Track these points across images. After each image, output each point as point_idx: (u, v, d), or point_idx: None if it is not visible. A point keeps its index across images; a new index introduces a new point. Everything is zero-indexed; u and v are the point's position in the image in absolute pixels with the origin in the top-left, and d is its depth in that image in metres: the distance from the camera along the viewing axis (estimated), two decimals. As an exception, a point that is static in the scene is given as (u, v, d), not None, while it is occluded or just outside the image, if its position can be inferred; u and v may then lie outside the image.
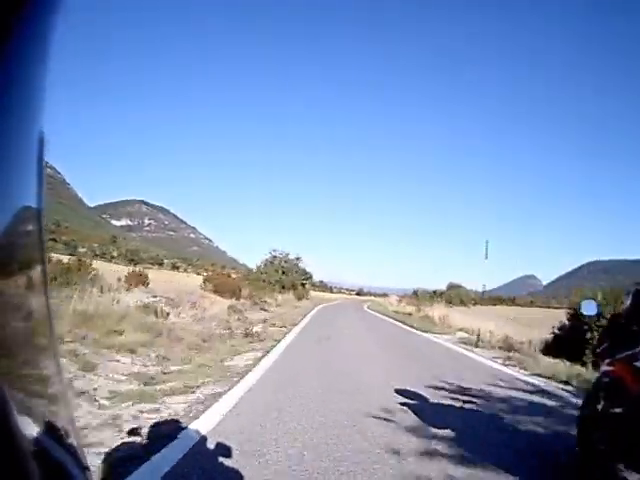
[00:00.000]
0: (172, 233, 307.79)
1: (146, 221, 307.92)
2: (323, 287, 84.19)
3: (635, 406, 2.08)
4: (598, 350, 2.68)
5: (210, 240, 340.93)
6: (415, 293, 51.99)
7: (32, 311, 0.33)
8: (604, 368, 2.58)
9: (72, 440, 0.37)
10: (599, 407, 2.39)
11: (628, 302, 2.61)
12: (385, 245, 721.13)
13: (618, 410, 2.22)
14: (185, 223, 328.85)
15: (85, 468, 0.39)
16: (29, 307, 0.33)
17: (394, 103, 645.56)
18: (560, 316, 9.81)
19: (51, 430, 0.34)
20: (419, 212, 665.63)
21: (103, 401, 3.20)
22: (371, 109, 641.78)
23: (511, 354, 8.06)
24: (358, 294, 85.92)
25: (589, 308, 3.05)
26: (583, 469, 2.46)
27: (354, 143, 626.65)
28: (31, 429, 0.31)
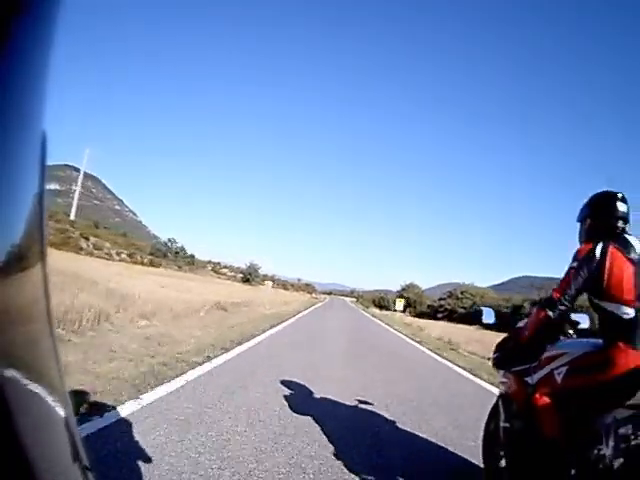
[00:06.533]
0: (97, 202, 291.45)
1: (73, 187, 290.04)
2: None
3: (522, 422, 2.05)
4: (493, 357, 2.55)
5: (135, 214, 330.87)
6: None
7: (31, 308, 0.34)
8: (500, 379, 2.54)
9: (72, 439, 0.37)
10: (499, 421, 2.35)
11: (531, 314, 2.21)
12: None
13: (508, 425, 2.22)
14: (113, 194, 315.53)
15: (85, 468, 0.39)
16: (29, 305, 0.33)
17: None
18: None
19: (51, 429, 0.35)
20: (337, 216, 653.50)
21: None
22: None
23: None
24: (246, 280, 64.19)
25: (489, 316, 2.98)
26: None
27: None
28: (31, 428, 0.31)
